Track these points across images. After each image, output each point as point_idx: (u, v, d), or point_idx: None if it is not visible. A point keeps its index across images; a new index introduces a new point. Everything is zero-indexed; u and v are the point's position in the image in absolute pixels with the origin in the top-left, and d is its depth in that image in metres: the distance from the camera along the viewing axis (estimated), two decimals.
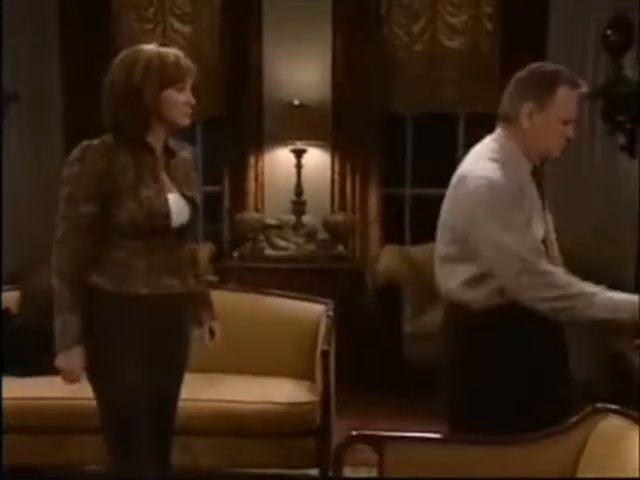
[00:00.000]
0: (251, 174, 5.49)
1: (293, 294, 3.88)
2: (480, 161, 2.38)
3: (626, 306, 2.24)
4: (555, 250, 2.55)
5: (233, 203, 5.54)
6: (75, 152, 2.37)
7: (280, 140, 5.34)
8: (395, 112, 5.57)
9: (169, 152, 2.49)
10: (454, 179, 2.46)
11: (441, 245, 2.52)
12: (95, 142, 2.37)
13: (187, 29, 5.58)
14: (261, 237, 5.29)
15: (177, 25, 5.58)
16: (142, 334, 2.41)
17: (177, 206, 2.44)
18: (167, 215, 2.39)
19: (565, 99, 2.36)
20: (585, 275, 2.36)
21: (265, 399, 3.36)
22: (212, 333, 2.72)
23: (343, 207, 5.45)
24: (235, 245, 5.41)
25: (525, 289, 2.28)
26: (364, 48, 5.33)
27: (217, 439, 3.33)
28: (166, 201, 2.40)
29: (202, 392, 3.34)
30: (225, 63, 5.47)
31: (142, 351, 2.41)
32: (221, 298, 3.23)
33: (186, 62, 2.40)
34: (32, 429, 3.35)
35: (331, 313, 3.66)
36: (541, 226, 2.41)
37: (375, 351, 4.78)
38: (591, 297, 2.24)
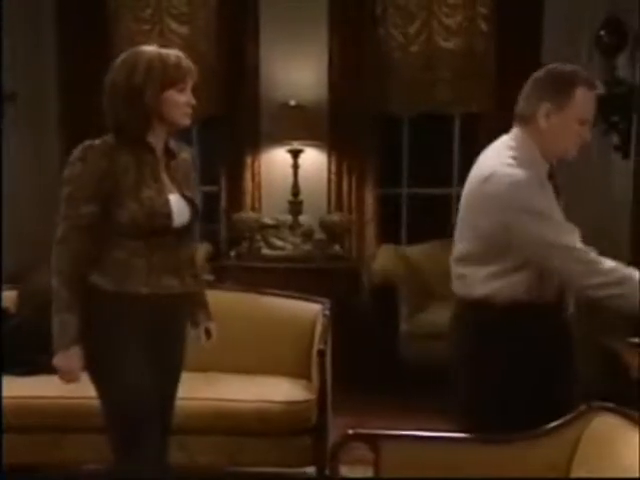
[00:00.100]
0: (248, 174, 5.51)
1: (290, 293, 3.89)
2: (502, 159, 2.37)
3: None
4: None
5: (230, 203, 5.56)
6: (77, 152, 2.37)
7: (277, 140, 5.35)
8: (391, 112, 5.58)
9: (169, 153, 2.50)
10: (474, 178, 2.43)
11: (460, 243, 2.50)
12: (96, 142, 2.37)
13: (184, 30, 5.59)
14: (258, 237, 5.30)
15: (174, 26, 5.59)
16: (142, 334, 2.42)
17: (178, 206, 2.45)
18: (169, 215, 2.40)
19: (583, 100, 2.37)
20: None
21: (262, 398, 3.37)
22: (208, 333, 2.73)
23: (339, 207, 5.46)
24: (232, 245, 5.43)
25: (574, 278, 2.30)
26: (360, 49, 5.35)
27: (215, 438, 3.34)
28: (167, 201, 2.41)
29: (200, 391, 3.35)
30: (222, 63, 5.48)
31: (142, 350, 2.41)
32: (218, 298, 3.25)
33: (187, 63, 2.42)
34: (30, 428, 3.35)
35: (327, 312, 3.67)
36: None
37: (371, 350, 4.79)
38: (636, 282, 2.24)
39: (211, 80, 5.42)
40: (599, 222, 4.71)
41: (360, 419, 3.68)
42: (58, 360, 2.39)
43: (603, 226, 4.63)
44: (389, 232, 5.63)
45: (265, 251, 5.27)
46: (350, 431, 2.29)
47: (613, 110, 4.53)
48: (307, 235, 5.29)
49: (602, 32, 4.67)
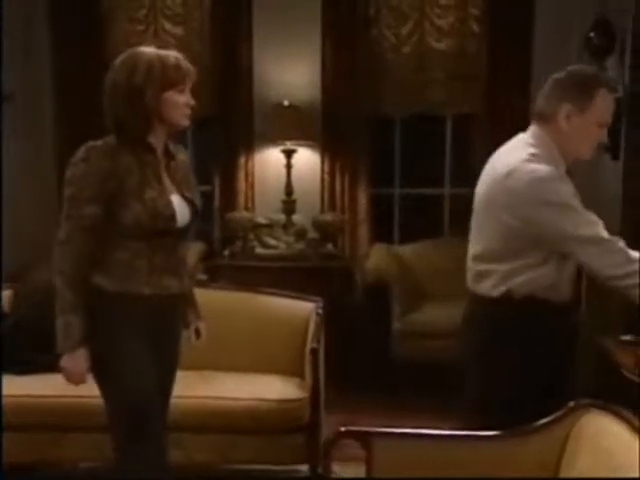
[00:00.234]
0: (241, 174, 5.52)
1: (283, 292, 3.91)
2: (523, 155, 2.38)
3: None
4: None
5: (224, 202, 5.57)
6: (79, 153, 2.37)
7: (270, 140, 5.37)
8: (384, 113, 5.59)
9: (169, 154, 2.52)
10: (493, 176, 2.45)
11: (478, 242, 2.51)
12: (98, 143, 2.38)
13: (178, 30, 5.59)
14: (251, 236, 5.31)
15: (168, 26, 5.59)
16: (144, 334, 2.43)
17: (179, 207, 2.46)
18: (172, 217, 2.42)
19: (603, 103, 2.40)
20: None
21: (255, 396, 3.39)
22: (198, 333, 2.74)
23: (333, 206, 5.48)
24: (225, 244, 5.43)
25: (600, 268, 2.31)
26: (353, 50, 5.36)
27: (209, 436, 3.35)
28: (170, 202, 2.43)
29: (195, 389, 3.37)
30: (215, 64, 5.48)
31: (145, 350, 2.43)
32: (212, 297, 3.27)
33: (186, 64, 2.44)
34: (29, 426, 3.35)
35: (320, 311, 3.69)
36: None
37: (364, 349, 4.80)
38: None
39: (205, 80, 5.42)
40: None
41: (352, 417, 3.71)
42: (65, 362, 2.39)
43: None
44: (382, 232, 5.64)
45: (259, 250, 5.28)
46: (342, 429, 2.31)
47: None
48: (300, 234, 5.30)
49: (592, 34, 4.68)
